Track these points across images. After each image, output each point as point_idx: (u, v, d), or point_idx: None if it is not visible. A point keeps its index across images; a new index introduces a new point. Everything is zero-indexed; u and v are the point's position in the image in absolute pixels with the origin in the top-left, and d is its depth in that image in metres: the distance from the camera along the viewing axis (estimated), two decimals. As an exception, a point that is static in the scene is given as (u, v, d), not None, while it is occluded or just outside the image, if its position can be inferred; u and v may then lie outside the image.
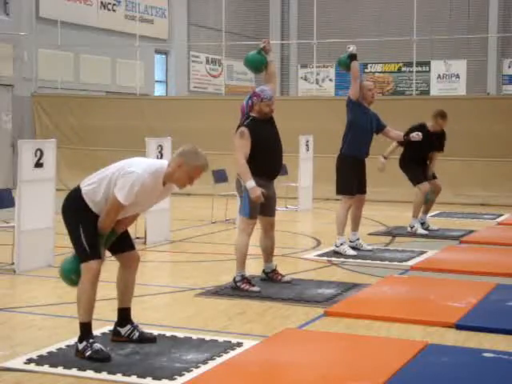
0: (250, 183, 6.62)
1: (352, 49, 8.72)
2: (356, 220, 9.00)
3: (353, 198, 8.71)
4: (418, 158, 10.26)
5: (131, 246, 5.12)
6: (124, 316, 5.16)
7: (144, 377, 4.49)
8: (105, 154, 15.05)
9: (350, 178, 8.64)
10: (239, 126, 6.82)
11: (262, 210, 6.91)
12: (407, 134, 9.33)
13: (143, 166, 4.79)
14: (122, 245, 5.07)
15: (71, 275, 4.92)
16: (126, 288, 5.12)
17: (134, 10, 20.57)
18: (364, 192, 8.87)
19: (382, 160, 9.90)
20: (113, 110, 16.77)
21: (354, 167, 8.67)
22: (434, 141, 10.20)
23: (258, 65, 7.28)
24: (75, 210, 4.88)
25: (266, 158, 6.79)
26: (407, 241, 9.89)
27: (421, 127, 9.95)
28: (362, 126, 8.65)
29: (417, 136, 9.15)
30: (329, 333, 5.55)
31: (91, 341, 4.80)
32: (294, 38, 26.17)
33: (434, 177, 10.57)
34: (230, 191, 11.07)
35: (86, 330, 4.84)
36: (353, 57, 8.72)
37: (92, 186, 4.86)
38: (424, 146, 10.00)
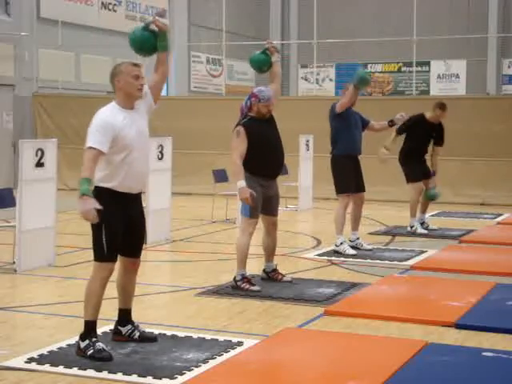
0: (241, 183, 6.66)
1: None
2: (356, 219, 9.01)
3: (349, 197, 8.73)
4: (417, 151, 10.21)
5: (139, 254, 5.13)
6: (124, 316, 5.18)
7: (145, 376, 4.50)
8: (105, 154, 15.04)
9: (346, 177, 8.65)
10: (237, 125, 6.87)
11: (264, 209, 6.94)
12: (404, 124, 9.48)
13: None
14: (134, 250, 5.06)
15: None
16: (125, 290, 5.14)
17: (135, 10, 20.60)
18: (363, 190, 8.88)
19: (384, 151, 9.88)
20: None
21: (348, 165, 8.67)
22: (431, 132, 10.27)
23: (261, 65, 7.32)
24: (100, 205, 4.85)
25: (265, 158, 6.82)
26: (407, 240, 9.90)
27: (419, 117, 10.11)
28: (349, 125, 8.64)
29: (400, 117, 9.15)
30: (329, 332, 5.56)
31: (94, 340, 4.82)
32: (294, 37, 26.19)
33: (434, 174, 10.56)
34: (230, 191, 11.10)
35: (90, 329, 4.86)
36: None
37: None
38: (422, 137, 10.19)
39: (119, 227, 4.89)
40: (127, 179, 4.86)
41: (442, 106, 10.32)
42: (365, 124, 8.91)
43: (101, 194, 4.85)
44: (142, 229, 5.15)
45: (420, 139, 10.23)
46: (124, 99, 4.93)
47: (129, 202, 4.95)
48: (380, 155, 9.85)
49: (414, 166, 10.27)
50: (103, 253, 4.84)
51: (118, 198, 4.88)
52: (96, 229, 4.86)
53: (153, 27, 5.12)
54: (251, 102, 6.84)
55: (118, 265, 5.09)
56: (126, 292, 5.14)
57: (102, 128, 4.75)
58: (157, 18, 5.12)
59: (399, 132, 10.13)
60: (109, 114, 4.84)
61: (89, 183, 4.59)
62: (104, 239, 4.83)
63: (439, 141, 10.43)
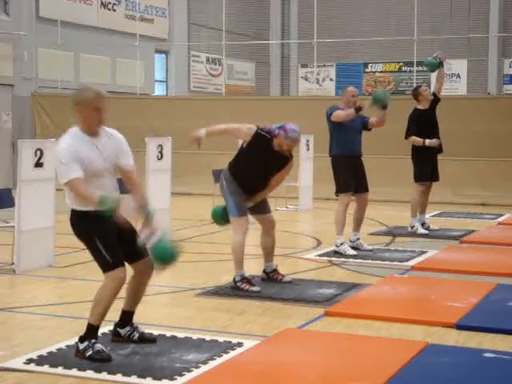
0: (202, 131, 6.71)
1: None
2: (358, 220, 8.98)
3: (349, 196, 8.69)
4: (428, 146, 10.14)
5: (146, 252, 5.02)
6: (126, 318, 5.16)
7: (144, 377, 4.48)
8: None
9: (345, 176, 8.62)
10: (257, 126, 6.82)
11: (253, 210, 6.93)
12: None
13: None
14: (138, 251, 4.97)
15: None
16: (134, 294, 5.10)
17: (134, 10, 20.59)
18: (365, 190, 8.84)
19: None
20: (113, 109, 16.62)
21: (347, 165, 8.64)
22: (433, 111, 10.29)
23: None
24: (84, 226, 4.83)
25: (248, 174, 6.79)
26: (407, 241, 9.88)
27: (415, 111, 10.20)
28: (346, 128, 8.61)
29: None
30: (329, 333, 5.55)
31: (93, 341, 4.80)
32: (294, 37, 26.18)
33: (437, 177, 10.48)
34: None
35: (93, 332, 4.83)
36: (358, 109, 8.48)
37: (68, 195, 4.87)
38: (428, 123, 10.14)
39: (112, 234, 4.82)
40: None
41: (417, 88, 10.56)
42: (365, 123, 8.86)
43: (81, 215, 4.81)
44: (135, 231, 5.04)
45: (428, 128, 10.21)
46: (84, 127, 4.84)
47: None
48: None
49: (424, 165, 10.16)
50: (108, 263, 4.78)
51: (98, 215, 4.79)
52: (90, 244, 4.81)
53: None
54: (279, 133, 6.69)
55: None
56: (136, 295, 5.09)
57: (69, 157, 4.68)
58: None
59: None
60: (72, 143, 4.75)
61: (107, 198, 4.59)
62: (102, 249, 4.77)
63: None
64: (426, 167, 10.18)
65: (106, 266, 4.80)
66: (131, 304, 5.15)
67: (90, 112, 4.79)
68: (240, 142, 7.14)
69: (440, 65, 10.36)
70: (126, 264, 4.94)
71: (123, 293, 5.10)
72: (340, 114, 8.52)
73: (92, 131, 4.84)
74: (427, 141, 9.98)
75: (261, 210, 7.00)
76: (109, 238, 4.81)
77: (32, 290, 7.02)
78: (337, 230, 8.72)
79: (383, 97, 8.51)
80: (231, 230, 6.96)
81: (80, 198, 4.70)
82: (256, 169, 6.78)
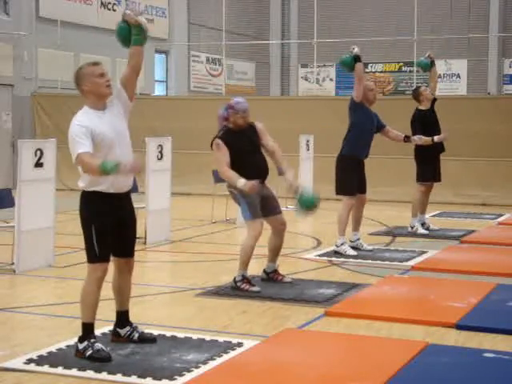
0: (240, 182, 6.58)
1: (356, 50, 8.64)
2: (357, 220, 8.99)
3: (353, 199, 8.71)
4: (431, 146, 10.13)
5: (132, 253, 5.12)
6: (122, 318, 5.16)
7: (144, 377, 4.48)
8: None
9: (352, 178, 8.64)
10: (214, 138, 6.86)
11: (266, 210, 6.93)
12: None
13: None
14: (126, 249, 5.04)
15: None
16: (121, 292, 5.13)
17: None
18: (364, 192, 8.86)
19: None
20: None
21: (354, 167, 8.66)
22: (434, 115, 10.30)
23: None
24: (87, 211, 4.88)
25: (246, 165, 6.78)
26: (408, 241, 9.88)
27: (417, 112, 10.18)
28: (364, 127, 8.65)
29: (418, 139, 9.24)
30: (329, 333, 5.55)
31: (92, 340, 4.81)
32: (294, 37, 26.19)
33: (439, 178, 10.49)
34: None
35: (88, 330, 4.85)
36: (357, 58, 8.63)
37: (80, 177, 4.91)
38: (433, 125, 10.14)
39: (109, 227, 4.87)
40: (114, 179, 4.83)
41: (417, 88, 10.65)
42: (380, 127, 8.90)
43: (89, 196, 4.86)
44: (134, 228, 5.13)
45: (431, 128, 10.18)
46: (95, 101, 4.91)
47: (118, 202, 4.94)
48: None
49: (426, 165, 10.18)
50: (95, 254, 4.84)
51: (107, 199, 4.87)
52: (86, 230, 4.86)
53: (128, 19, 5.08)
54: (228, 113, 6.84)
55: (112, 267, 5.07)
56: (122, 294, 5.13)
57: (81, 133, 4.74)
58: (127, 12, 5.07)
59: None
60: (83, 119, 4.82)
61: (106, 162, 4.60)
62: (95, 240, 4.82)
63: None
64: (428, 168, 10.20)
65: (91, 257, 4.86)
66: (121, 303, 5.16)
67: (95, 79, 4.88)
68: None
69: (432, 64, 10.43)
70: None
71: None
72: (355, 85, 8.57)
73: (103, 99, 4.91)
74: (436, 137, 10.01)
75: (272, 210, 7.00)
76: (105, 231, 4.85)
77: (32, 289, 7.03)
78: (339, 229, 8.72)
79: (349, 63, 8.56)
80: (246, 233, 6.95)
81: (85, 168, 4.72)
82: (248, 156, 6.80)
